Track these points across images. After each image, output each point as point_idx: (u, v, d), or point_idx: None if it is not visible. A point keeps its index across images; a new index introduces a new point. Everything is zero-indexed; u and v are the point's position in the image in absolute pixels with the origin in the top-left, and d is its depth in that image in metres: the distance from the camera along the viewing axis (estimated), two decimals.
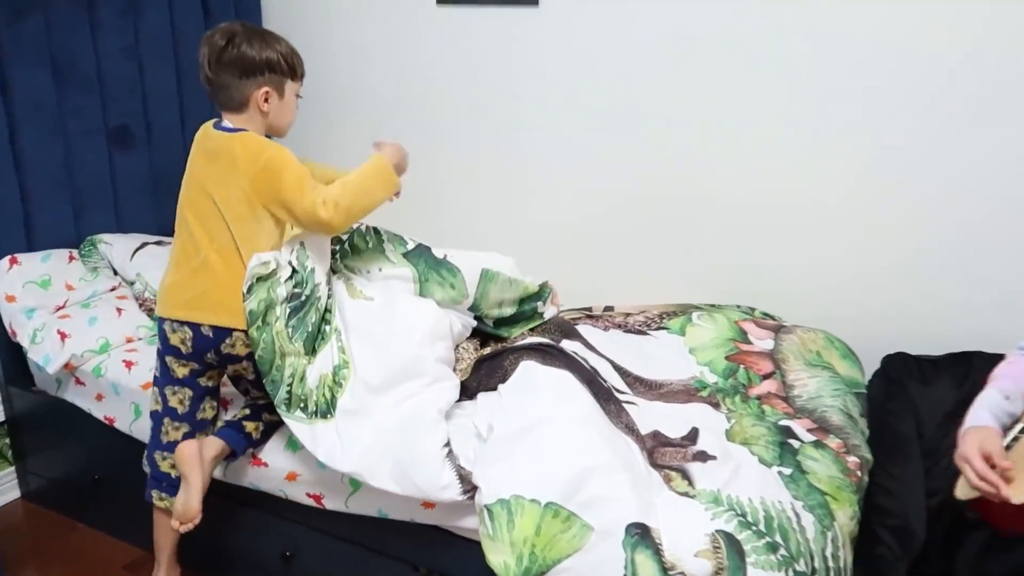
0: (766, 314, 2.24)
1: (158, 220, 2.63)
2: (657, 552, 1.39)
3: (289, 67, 1.72)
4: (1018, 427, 1.24)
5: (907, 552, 1.69)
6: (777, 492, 1.53)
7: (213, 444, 1.72)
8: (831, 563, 1.47)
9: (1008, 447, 1.26)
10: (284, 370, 1.64)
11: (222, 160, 1.68)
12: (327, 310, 1.77)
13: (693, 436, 1.68)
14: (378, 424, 1.64)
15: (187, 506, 1.67)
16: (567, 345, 1.91)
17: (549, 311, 2.10)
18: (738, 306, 2.27)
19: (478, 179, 2.75)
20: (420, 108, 2.77)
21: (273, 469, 1.78)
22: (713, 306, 2.23)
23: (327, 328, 1.75)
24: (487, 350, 1.92)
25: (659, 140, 2.40)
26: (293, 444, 1.75)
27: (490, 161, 2.71)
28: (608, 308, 2.32)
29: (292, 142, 2.99)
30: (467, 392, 1.80)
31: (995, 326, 2.09)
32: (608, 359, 1.97)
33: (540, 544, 1.42)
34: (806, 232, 2.27)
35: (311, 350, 1.71)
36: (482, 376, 1.79)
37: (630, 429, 1.67)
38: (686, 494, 1.51)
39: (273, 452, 1.79)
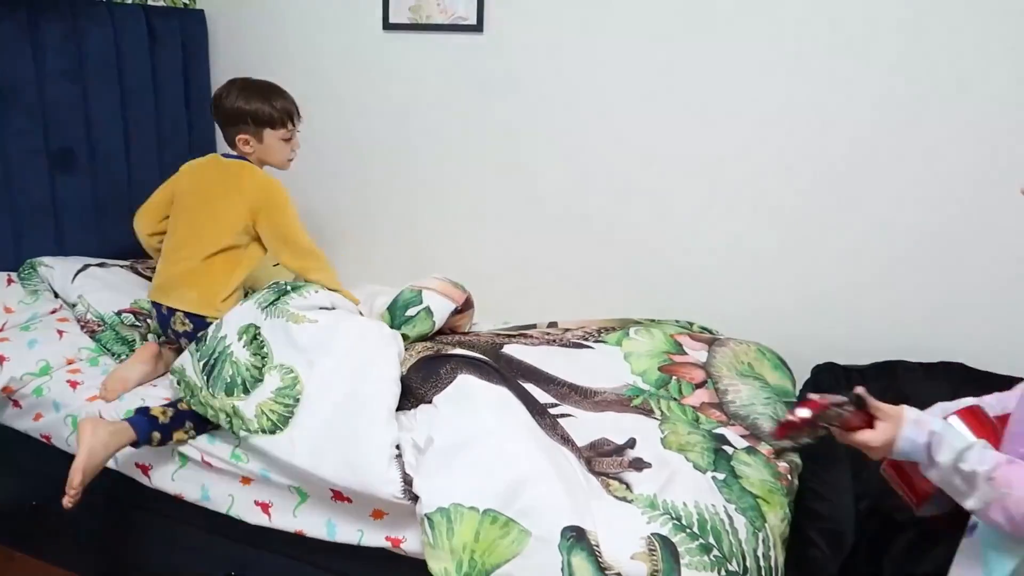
0: (704, 328, 2.32)
1: (101, 243, 2.61)
2: (593, 554, 1.43)
3: (268, 118, 2.07)
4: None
5: (838, 553, 1.77)
6: (711, 496, 1.59)
7: (112, 424, 1.77)
8: (762, 562, 1.53)
9: None
10: (219, 415, 1.78)
11: (229, 181, 2.08)
12: (256, 353, 1.86)
13: (631, 444, 1.73)
14: (329, 421, 1.69)
15: (69, 477, 1.70)
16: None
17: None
18: (676, 321, 2.35)
19: (422, 200, 2.80)
20: (365, 132, 2.82)
21: (225, 473, 1.79)
22: (653, 321, 2.30)
23: (259, 365, 1.84)
24: (428, 352, 1.96)
25: (603, 162, 2.49)
26: (236, 455, 1.78)
27: (434, 183, 2.76)
28: (552, 324, 2.37)
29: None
30: (405, 393, 1.83)
31: (918, 338, 2.21)
32: (542, 370, 2.03)
33: (479, 550, 1.45)
34: (741, 250, 2.37)
35: (242, 391, 1.80)
36: (421, 377, 1.83)
37: (565, 440, 1.72)
38: (624, 499, 1.56)
39: (223, 452, 1.81)
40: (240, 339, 1.89)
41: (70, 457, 1.73)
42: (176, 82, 2.87)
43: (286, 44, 2.86)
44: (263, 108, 2.06)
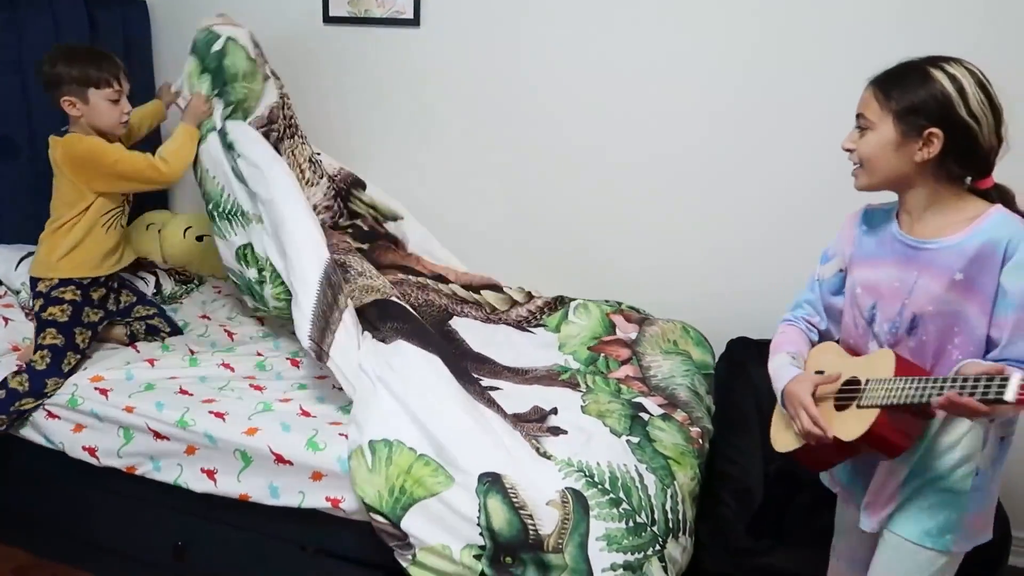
0: (632, 308, 2.47)
1: (39, 229, 2.63)
2: (508, 496, 1.59)
3: (92, 79, 2.05)
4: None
5: (746, 510, 1.94)
6: (624, 457, 1.74)
7: None
8: (670, 515, 1.68)
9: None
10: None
11: (55, 161, 2.11)
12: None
13: (554, 411, 1.88)
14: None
15: None
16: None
17: None
18: (607, 301, 2.49)
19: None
20: (305, 124, 2.87)
21: (173, 443, 1.89)
22: (591, 301, 2.45)
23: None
24: (392, 296, 2.15)
25: (537, 154, 2.61)
26: (183, 422, 1.88)
27: (372, 174, 2.81)
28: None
29: None
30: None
31: None
32: (479, 352, 2.18)
33: (410, 482, 1.63)
34: (664, 232, 2.52)
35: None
36: (377, 314, 2.04)
37: (491, 402, 1.87)
38: (545, 454, 1.71)
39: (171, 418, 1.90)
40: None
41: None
42: None
43: None
44: (86, 69, 2.05)
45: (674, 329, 2.32)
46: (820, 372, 1.41)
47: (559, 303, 2.39)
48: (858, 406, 1.29)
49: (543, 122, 2.58)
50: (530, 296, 2.44)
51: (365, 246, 2.47)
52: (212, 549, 1.96)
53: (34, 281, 2.15)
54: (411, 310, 2.10)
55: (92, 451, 1.96)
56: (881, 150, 1.28)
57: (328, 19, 2.76)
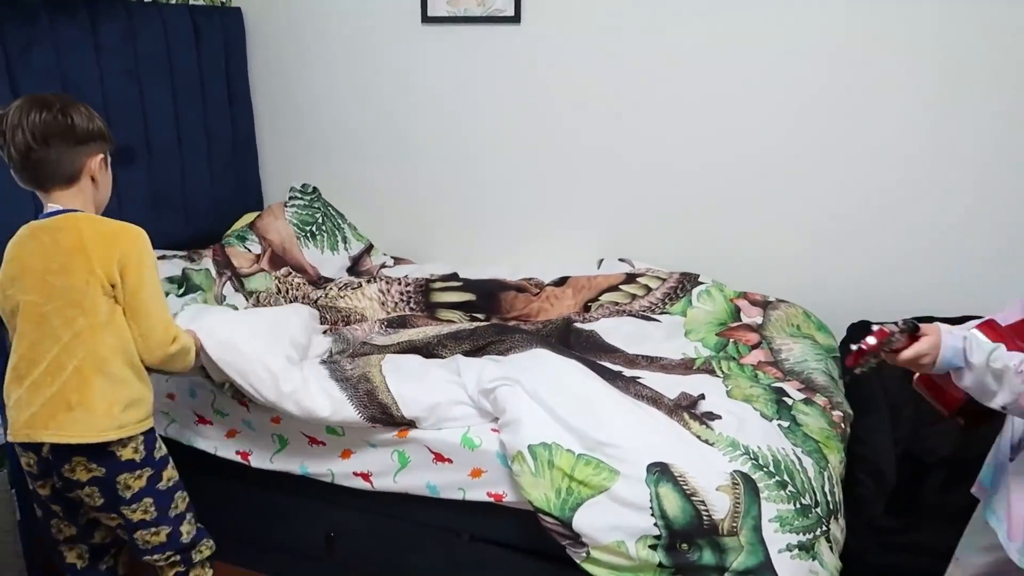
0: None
1: (157, 234, 2.63)
2: (678, 484, 1.61)
3: (108, 138, 1.65)
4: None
5: (882, 490, 1.96)
6: (780, 441, 1.76)
7: None
8: (828, 497, 1.71)
9: None
10: None
11: (63, 244, 1.55)
12: None
13: (702, 397, 1.90)
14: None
15: None
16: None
17: None
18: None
19: (463, 192, 2.92)
20: (406, 124, 2.92)
21: (329, 448, 1.93)
22: (713, 281, 2.46)
23: None
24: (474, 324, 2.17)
25: (643, 151, 2.62)
26: (334, 430, 1.91)
27: (475, 174, 2.88)
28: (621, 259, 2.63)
29: (292, 160, 3.12)
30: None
31: (945, 299, 2.35)
32: (608, 343, 2.21)
33: (575, 482, 1.65)
34: (788, 216, 2.52)
35: None
36: (495, 331, 2.06)
37: (640, 396, 1.89)
38: (707, 441, 1.74)
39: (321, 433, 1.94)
40: None
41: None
42: (219, 79, 2.96)
43: (324, 39, 2.95)
44: (101, 123, 1.62)
45: (796, 313, 2.34)
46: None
47: (681, 289, 2.41)
48: None
49: (655, 113, 2.58)
50: (648, 289, 2.45)
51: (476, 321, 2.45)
52: (363, 540, 2.01)
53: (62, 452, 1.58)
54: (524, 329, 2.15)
55: (245, 455, 2.02)
56: None
57: (426, 19, 2.80)
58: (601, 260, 2.68)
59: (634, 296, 2.39)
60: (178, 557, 1.71)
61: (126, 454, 1.60)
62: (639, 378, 1.98)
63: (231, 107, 3.03)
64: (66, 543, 1.73)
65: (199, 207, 2.91)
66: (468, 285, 2.53)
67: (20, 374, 1.57)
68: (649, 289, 2.40)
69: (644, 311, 2.35)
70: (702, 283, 2.42)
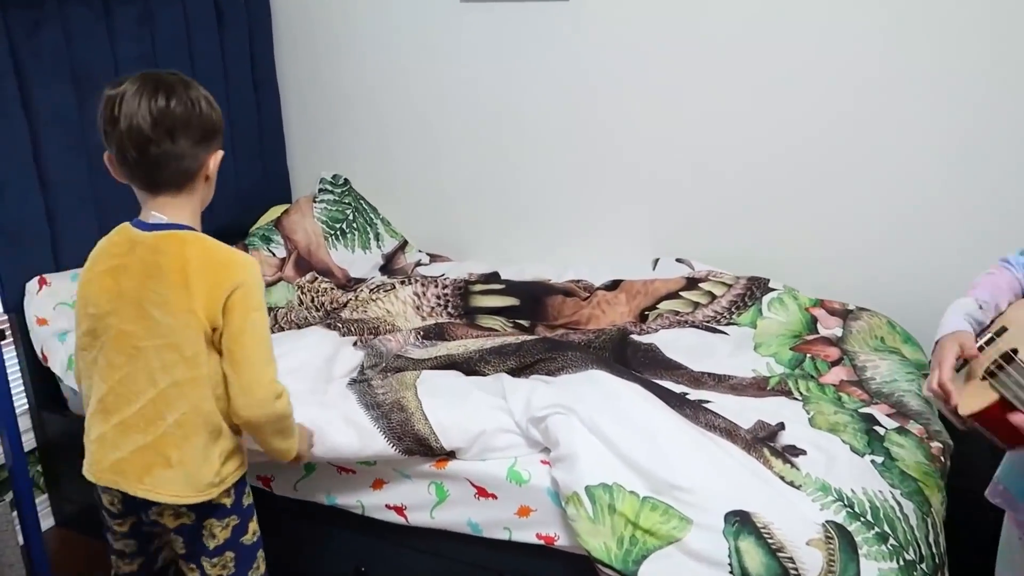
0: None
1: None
2: (761, 537, 1.39)
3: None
4: (986, 336, 1.26)
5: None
6: (876, 481, 1.52)
7: None
8: (934, 549, 1.47)
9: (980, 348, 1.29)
10: None
11: (166, 270, 1.29)
12: None
13: (781, 427, 1.66)
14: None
15: None
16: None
17: None
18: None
19: (503, 178, 2.71)
20: (443, 110, 2.72)
21: (359, 477, 1.74)
22: (785, 287, 2.21)
23: None
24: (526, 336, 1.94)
25: (693, 132, 2.39)
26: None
27: (516, 158, 2.67)
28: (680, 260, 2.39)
29: (321, 149, 2.95)
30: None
31: None
32: (670, 358, 1.98)
33: (641, 531, 1.44)
34: (858, 209, 2.26)
35: None
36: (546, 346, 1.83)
37: (711, 426, 1.65)
38: (792, 483, 1.50)
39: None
40: None
41: None
42: (243, 64, 2.79)
43: (355, 20, 2.76)
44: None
45: (880, 324, 2.07)
46: (1003, 330, 1.24)
47: (749, 296, 2.15)
48: (991, 380, 1.17)
49: (718, 99, 2.34)
50: (712, 296, 2.20)
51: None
52: (396, 574, 1.83)
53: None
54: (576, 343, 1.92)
55: (267, 481, 1.83)
56: None
57: None
58: (656, 260, 2.44)
59: (696, 304, 2.15)
60: None
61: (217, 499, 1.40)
62: (707, 402, 1.75)
63: (256, 93, 2.85)
64: None
65: (224, 200, 2.66)
66: (511, 288, 2.32)
67: (107, 408, 1.35)
68: (713, 296, 2.15)
69: (708, 321, 2.11)
70: (773, 289, 2.16)
